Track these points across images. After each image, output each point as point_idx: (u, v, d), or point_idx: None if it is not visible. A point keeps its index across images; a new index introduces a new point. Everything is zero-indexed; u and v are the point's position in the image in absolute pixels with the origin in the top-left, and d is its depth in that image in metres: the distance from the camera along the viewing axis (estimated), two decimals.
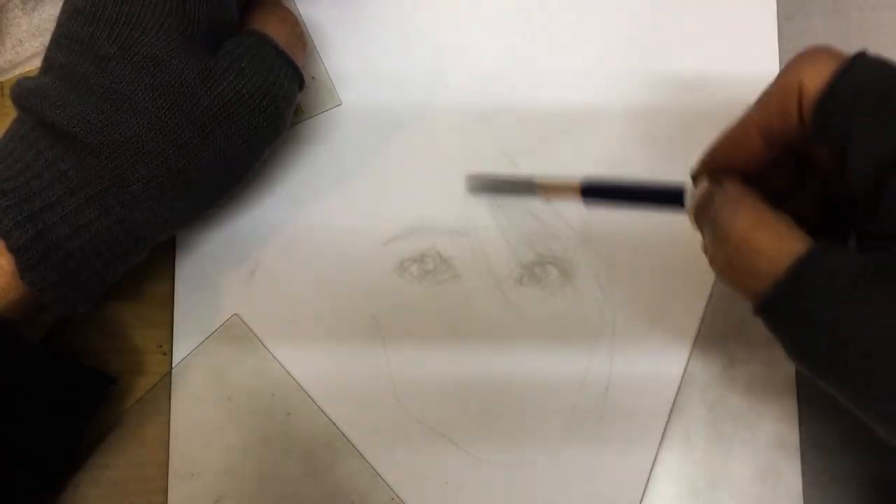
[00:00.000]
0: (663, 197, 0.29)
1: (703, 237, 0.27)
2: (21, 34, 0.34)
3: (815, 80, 0.24)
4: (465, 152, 0.36)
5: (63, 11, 0.29)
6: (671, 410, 0.34)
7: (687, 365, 0.35)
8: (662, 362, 0.35)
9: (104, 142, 0.27)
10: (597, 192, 0.31)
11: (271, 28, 0.31)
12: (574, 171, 0.36)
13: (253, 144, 0.30)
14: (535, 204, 0.36)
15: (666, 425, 0.34)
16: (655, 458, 0.34)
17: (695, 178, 0.29)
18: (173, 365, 0.34)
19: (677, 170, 0.36)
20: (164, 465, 0.34)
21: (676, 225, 0.36)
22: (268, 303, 0.35)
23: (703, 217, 0.27)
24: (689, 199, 0.28)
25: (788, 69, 0.26)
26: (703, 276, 0.35)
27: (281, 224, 0.36)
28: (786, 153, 0.27)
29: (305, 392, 0.34)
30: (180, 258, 0.35)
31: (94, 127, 0.27)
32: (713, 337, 0.35)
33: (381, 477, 0.34)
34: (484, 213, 0.36)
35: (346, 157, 0.36)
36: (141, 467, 0.34)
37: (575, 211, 0.36)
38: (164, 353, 0.35)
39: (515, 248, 0.35)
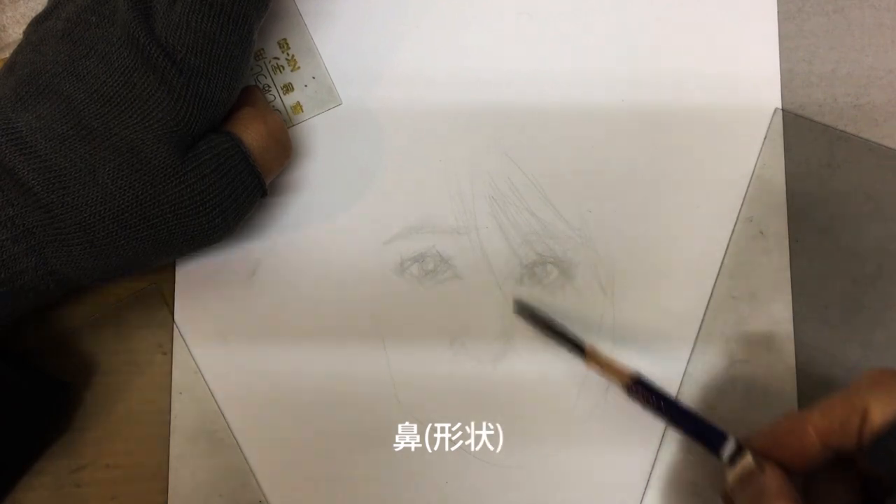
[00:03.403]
0: (703, 436, 0.30)
1: None
2: (5, 20, 0.34)
3: (882, 410, 0.25)
4: (465, 152, 0.36)
5: (59, 63, 0.28)
6: None
7: (687, 365, 0.35)
8: (662, 362, 0.35)
9: (57, 202, 0.27)
10: (644, 392, 0.31)
11: (252, 133, 0.31)
12: (574, 171, 0.36)
13: (193, 241, 0.31)
14: (536, 204, 0.36)
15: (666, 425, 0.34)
16: (655, 458, 0.34)
17: (741, 447, 0.30)
18: (174, 365, 0.35)
19: (679, 170, 0.36)
20: (165, 465, 0.34)
21: (676, 225, 0.36)
22: (268, 303, 0.35)
23: (740, 495, 0.28)
24: (729, 473, 0.29)
25: (858, 388, 0.27)
26: (704, 276, 0.35)
27: (281, 224, 0.36)
28: (838, 456, 0.28)
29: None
30: (180, 258, 0.35)
31: (52, 187, 0.27)
32: (713, 337, 0.35)
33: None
34: (484, 213, 0.36)
35: (346, 157, 0.36)
36: (141, 467, 0.34)
37: (575, 211, 0.36)
38: (165, 353, 0.35)
39: (515, 248, 0.35)
